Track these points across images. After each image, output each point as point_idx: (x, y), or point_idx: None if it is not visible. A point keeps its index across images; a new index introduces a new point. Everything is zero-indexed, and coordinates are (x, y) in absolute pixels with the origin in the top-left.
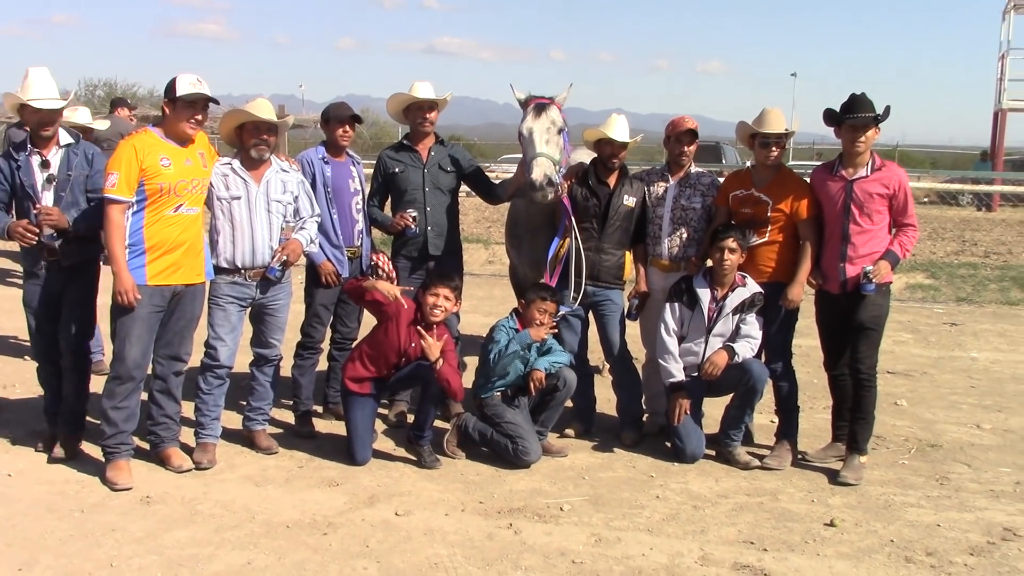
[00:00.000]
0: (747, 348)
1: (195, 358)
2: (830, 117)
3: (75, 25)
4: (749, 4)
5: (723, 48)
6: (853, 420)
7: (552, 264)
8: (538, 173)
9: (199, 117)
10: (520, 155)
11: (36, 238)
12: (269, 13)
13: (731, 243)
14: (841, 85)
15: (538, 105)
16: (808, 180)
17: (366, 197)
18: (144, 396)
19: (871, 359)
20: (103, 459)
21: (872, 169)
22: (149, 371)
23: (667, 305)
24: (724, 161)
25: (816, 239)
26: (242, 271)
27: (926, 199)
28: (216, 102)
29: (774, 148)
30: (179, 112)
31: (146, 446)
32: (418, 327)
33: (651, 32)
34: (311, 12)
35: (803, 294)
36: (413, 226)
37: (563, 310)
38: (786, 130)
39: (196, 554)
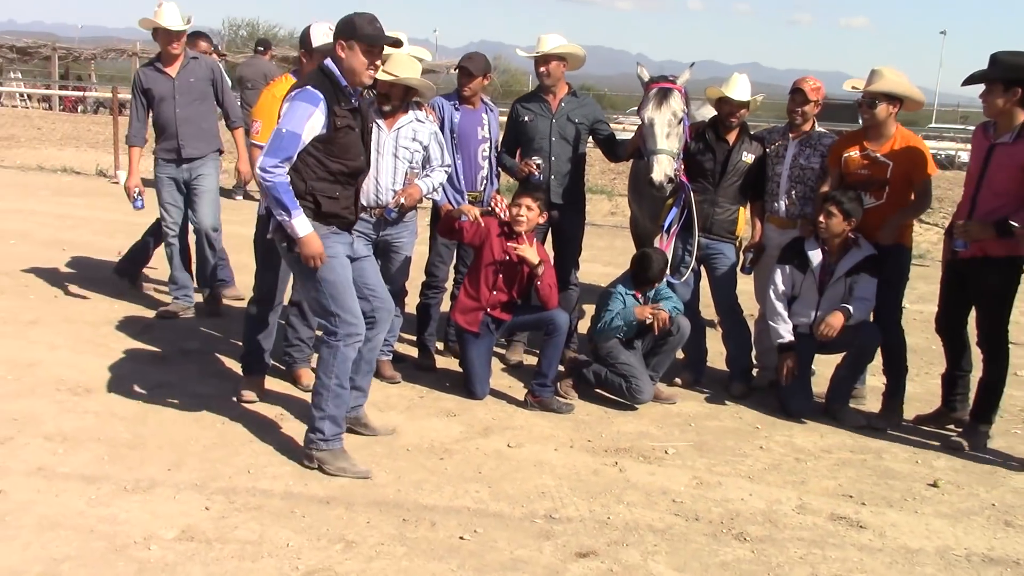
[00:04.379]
0: (861, 310)
1: None
2: (968, 79)
3: None
4: None
5: (869, 2)
6: (978, 388)
7: (667, 231)
8: (658, 173)
9: None
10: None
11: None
12: None
13: (829, 206)
14: (994, 45)
15: (661, 91)
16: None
17: (496, 144)
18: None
19: (989, 329)
20: (241, 373)
21: (1016, 135)
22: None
23: (777, 267)
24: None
25: (927, 201)
26: (367, 209)
27: None
28: None
29: (883, 111)
30: (314, 61)
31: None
32: (507, 240)
33: None
34: None
35: (892, 239)
36: (537, 173)
37: (672, 280)
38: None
39: None
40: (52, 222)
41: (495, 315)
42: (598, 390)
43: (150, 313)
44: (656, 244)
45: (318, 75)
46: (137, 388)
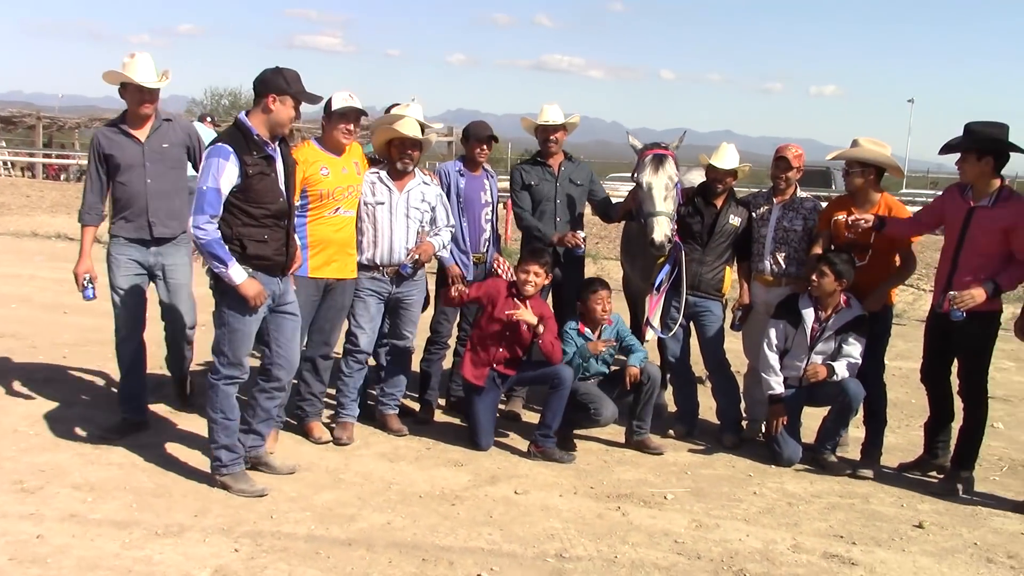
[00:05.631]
0: (846, 368)
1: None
2: (945, 147)
3: (199, 35)
4: (867, 27)
5: (839, 72)
6: (958, 435)
7: (658, 288)
8: (658, 234)
9: (350, 127)
10: (629, 175)
11: None
12: (383, 27)
13: (822, 267)
14: (961, 113)
15: (656, 157)
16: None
17: (496, 207)
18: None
19: (970, 380)
20: None
21: (996, 200)
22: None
23: (772, 322)
24: (833, 187)
25: (912, 265)
26: (380, 267)
27: None
28: (365, 114)
29: (858, 177)
30: (333, 123)
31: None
32: (514, 301)
33: (764, 53)
34: (424, 27)
35: (879, 305)
36: (583, 245)
37: (659, 334)
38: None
39: (342, 513)
40: (51, 286)
41: (500, 370)
42: (576, 432)
43: (160, 371)
44: (647, 301)
45: (230, 129)
46: (156, 441)
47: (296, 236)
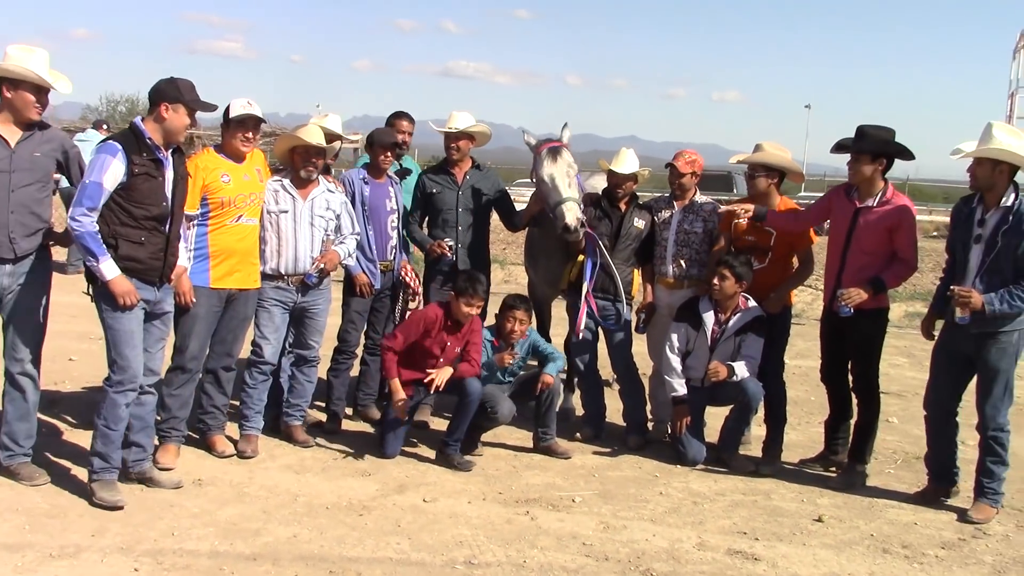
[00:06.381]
0: (746, 367)
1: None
2: (837, 146)
3: (94, 40)
4: (766, 34)
5: (740, 78)
6: (854, 431)
7: (592, 285)
8: (571, 219)
9: (249, 135)
10: (528, 180)
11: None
12: (286, 33)
13: (722, 270)
14: (855, 118)
15: (552, 149)
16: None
17: (405, 214)
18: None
19: (862, 375)
20: (156, 443)
21: (879, 201)
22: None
23: (674, 325)
24: (735, 191)
25: (810, 268)
26: (284, 277)
27: (935, 232)
28: (264, 121)
29: (763, 180)
30: (232, 131)
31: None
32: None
33: (667, 60)
34: (328, 33)
35: (779, 307)
36: (449, 255)
37: (607, 326)
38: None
39: (247, 528)
40: None
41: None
42: (484, 438)
43: (57, 387)
44: (581, 303)
45: (124, 130)
46: (51, 458)
47: (180, 246)
